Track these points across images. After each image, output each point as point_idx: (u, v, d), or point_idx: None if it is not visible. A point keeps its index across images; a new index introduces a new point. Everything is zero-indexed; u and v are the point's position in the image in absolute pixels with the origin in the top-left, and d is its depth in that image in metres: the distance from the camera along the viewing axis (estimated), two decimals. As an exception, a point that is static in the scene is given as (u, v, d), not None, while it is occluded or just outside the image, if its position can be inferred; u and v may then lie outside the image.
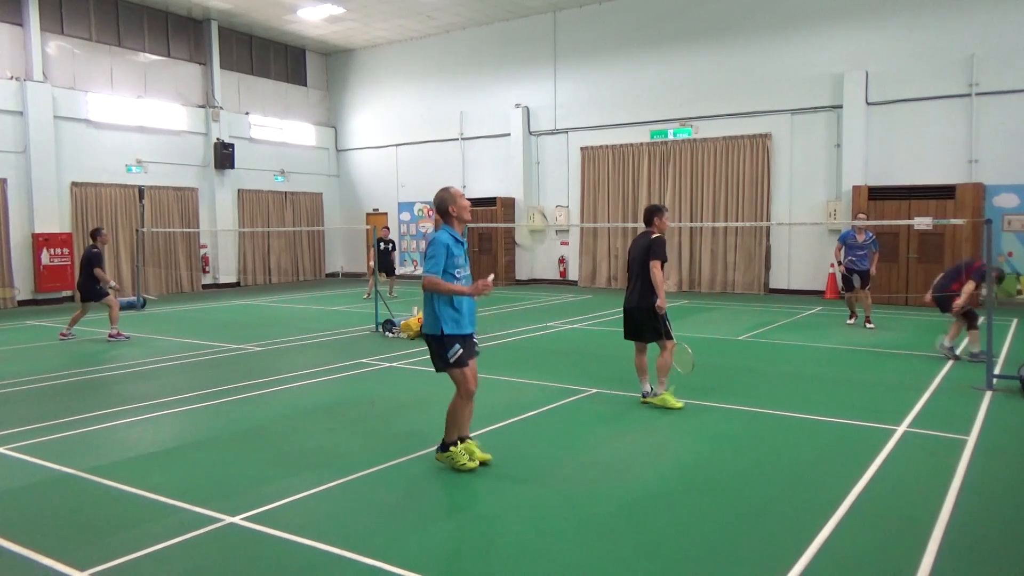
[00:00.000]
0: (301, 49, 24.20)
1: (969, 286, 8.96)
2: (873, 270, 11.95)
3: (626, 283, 7.16)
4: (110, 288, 11.97)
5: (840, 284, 12.45)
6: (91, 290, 11.78)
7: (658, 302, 6.82)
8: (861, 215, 12.12)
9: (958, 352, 9.38)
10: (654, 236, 6.99)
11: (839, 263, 12.21)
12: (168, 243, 20.23)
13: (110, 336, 11.68)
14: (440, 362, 5.23)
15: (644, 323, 6.97)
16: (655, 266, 6.82)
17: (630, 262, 7.05)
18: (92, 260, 11.76)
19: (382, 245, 18.02)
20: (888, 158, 16.09)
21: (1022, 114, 14.74)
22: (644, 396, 7.08)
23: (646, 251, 6.91)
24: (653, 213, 7.07)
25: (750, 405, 7.06)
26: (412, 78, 23.12)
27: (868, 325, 11.93)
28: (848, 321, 12.27)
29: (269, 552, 4.06)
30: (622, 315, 7.21)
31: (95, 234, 12.15)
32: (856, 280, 11.83)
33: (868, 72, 16.11)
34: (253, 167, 22.35)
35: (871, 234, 11.97)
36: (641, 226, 7.35)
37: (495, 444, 6.08)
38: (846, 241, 12.02)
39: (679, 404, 6.92)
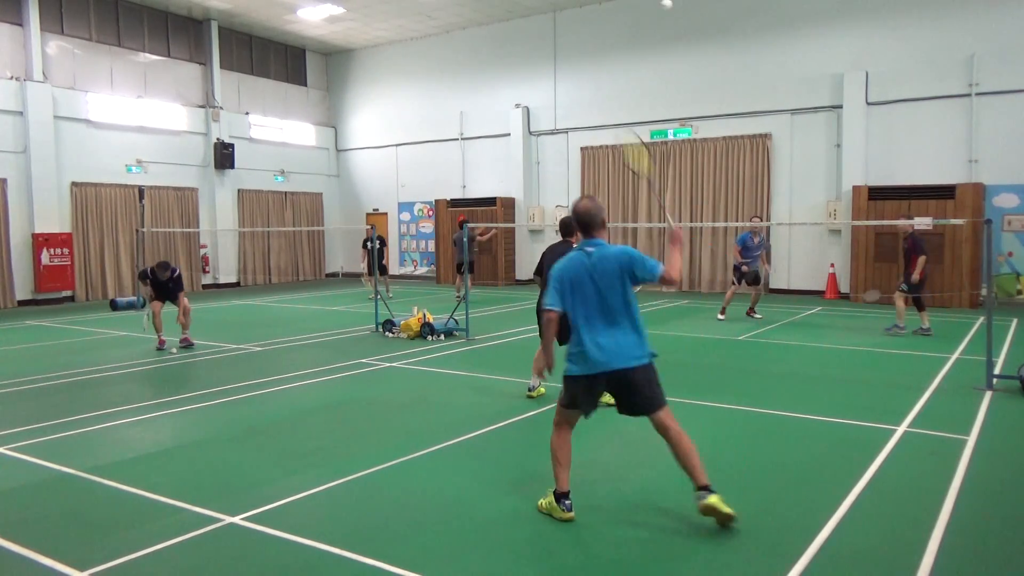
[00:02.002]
0: (301, 49, 24.19)
1: (922, 259, 10.77)
2: (767, 268, 13.03)
3: (543, 289, 7.26)
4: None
5: (733, 280, 13.23)
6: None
7: None
8: (755, 218, 12.79)
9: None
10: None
11: (744, 265, 12.89)
12: (168, 243, 20.22)
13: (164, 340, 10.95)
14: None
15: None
16: None
17: (549, 269, 7.09)
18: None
19: (370, 244, 17.91)
20: (888, 158, 16.08)
21: (1022, 114, 14.73)
22: (531, 389, 7.54)
23: None
24: (572, 225, 7.23)
25: (750, 405, 7.06)
26: (412, 78, 23.11)
27: (755, 315, 12.95)
28: (719, 316, 12.61)
29: (269, 552, 4.06)
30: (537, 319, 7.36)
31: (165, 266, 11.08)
32: (750, 276, 12.75)
33: (868, 72, 16.10)
34: (253, 167, 22.35)
35: (763, 236, 13.01)
36: (642, 226, 7.44)
37: (496, 445, 6.09)
38: (744, 244, 12.75)
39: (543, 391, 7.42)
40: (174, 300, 11.04)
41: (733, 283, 13.09)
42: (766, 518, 4.41)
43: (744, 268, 12.69)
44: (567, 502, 4.39)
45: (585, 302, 4.35)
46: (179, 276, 11.17)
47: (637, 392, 4.32)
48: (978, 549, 4.02)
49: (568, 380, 4.43)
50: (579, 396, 4.40)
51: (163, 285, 10.97)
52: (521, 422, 6.68)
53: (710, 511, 4.18)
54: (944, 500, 4.61)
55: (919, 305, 11.10)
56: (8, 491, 5.07)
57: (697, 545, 4.08)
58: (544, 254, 7.41)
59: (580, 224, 4.52)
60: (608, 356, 4.27)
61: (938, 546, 3.98)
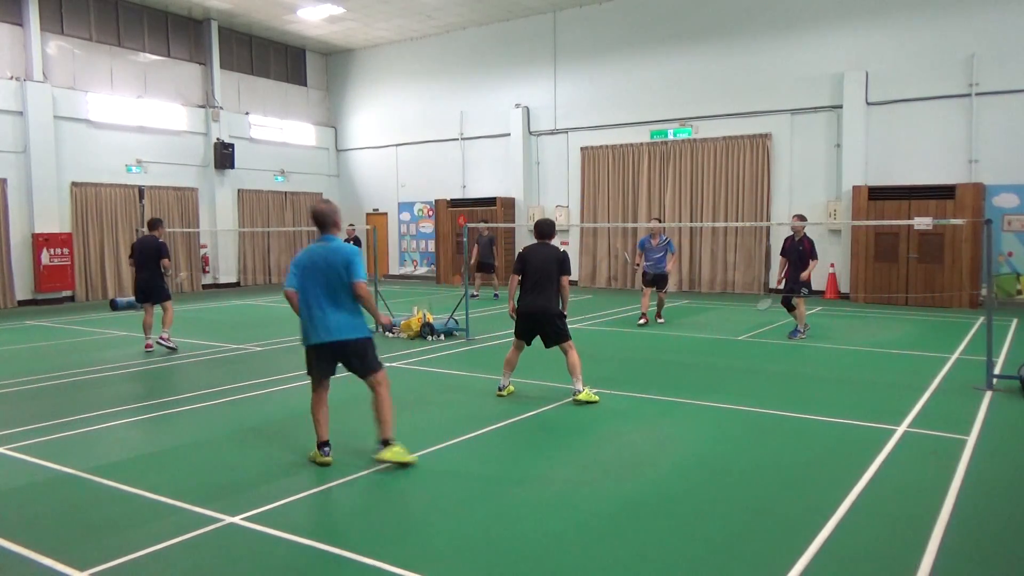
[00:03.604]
0: (301, 49, 24.19)
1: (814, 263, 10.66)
2: (669, 267, 12.67)
3: (524, 289, 7.38)
4: (170, 276, 11.01)
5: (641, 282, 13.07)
6: (159, 289, 10.61)
7: (564, 310, 7.41)
8: (655, 219, 12.70)
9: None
10: (563, 250, 7.45)
11: (638, 266, 12.82)
12: (168, 243, 20.08)
13: (161, 340, 10.50)
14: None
15: (550, 327, 7.33)
16: (566, 280, 7.36)
17: (535, 270, 7.29)
18: (163, 250, 10.60)
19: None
20: (888, 158, 16.08)
21: (1022, 114, 14.73)
22: (500, 389, 7.52)
23: (559, 263, 7.30)
24: (553, 227, 7.58)
25: (750, 405, 7.06)
26: (412, 78, 23.11)
27: (659, 320, 12.71)
28: (639, 322, 12.47)
29: (269, 552, 4.06)
30: (517, 319, 7.50)
31: (156, 224, 10.94)
32: (647, 279, 12.52)
33: (868, 72, 16.10)
34: (253, 167, 22.34)
35: (665, 237, 12.63)
36: (643, 226, 7.52)
37: (495, 444, 6.09)
38: (643, 247, 12.64)
39: (596, 398, 7.23)
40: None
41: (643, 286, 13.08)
42: (766, 518, 4.42)
43: (637, 265, 12.74)
44: (326, 448, 5.43)
45: (316, 284, 5.31)
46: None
47: (355, 359, 5.41)
48: (978, 549, 4.02)
49: (305, 350, 5.45)
50: (312, 362, 5.45)
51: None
52: (521, 422, 6.67)
53: (383, 460, 5.30)
54: (944, 500, 4.61)
55: (790, 307, 11.03)
56: (8, 491, 5.07)
57: (697, 545, 4.08)
58: (521, 255, 7.55)
59: (316, 223, 5.47)
60: (331, 330, 5.28)
61: (938, 546, 3.98)
